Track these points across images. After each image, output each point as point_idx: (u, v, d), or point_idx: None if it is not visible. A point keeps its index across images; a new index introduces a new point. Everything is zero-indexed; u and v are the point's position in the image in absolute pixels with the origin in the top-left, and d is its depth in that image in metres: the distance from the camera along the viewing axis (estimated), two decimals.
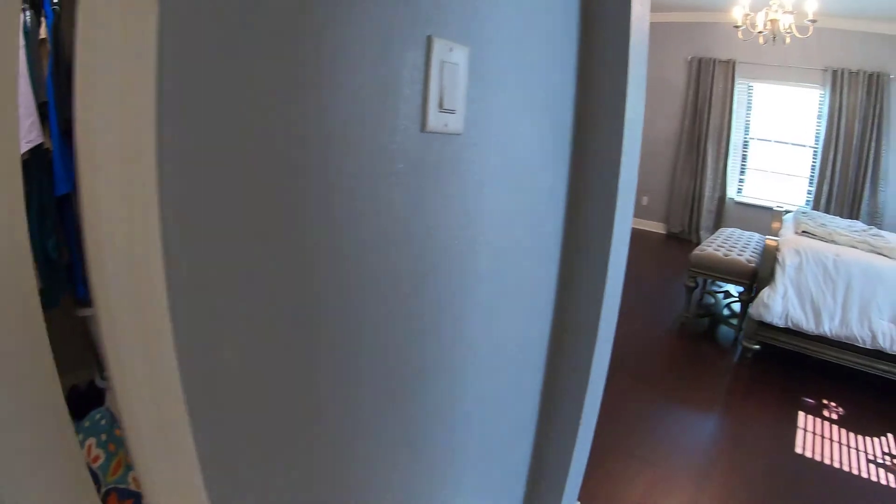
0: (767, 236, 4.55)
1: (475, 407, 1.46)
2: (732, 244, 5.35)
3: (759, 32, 5.86)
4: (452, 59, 1.04)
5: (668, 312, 5.45)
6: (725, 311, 5.65)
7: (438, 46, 1.00)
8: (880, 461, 3.44)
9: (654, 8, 8.42)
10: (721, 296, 5.96)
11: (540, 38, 1.35)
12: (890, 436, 3.73)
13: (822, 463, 3.32)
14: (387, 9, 0.90)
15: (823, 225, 5.10)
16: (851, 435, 3.68)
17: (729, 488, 2.97)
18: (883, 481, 3.23)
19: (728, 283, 5.12)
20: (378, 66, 0.90)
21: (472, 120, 1.15)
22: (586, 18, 1.51)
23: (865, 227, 5.77)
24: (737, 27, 5.90)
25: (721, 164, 8.73)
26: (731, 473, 3.09)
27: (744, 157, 8.90)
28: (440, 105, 1.03)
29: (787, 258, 4.23)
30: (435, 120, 1.04)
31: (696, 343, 4.88)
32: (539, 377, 1.77)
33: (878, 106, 7.58)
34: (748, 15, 5.82)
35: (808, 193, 8.47)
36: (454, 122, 1.09)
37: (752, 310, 4.35)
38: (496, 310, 1.42)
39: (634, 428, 3.43)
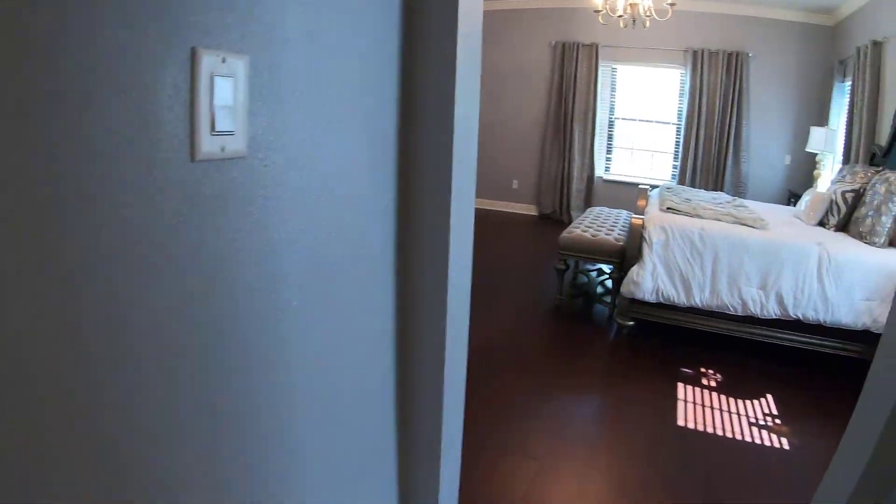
0: (633, 215, 4.61)
1: (313, 435, 1.31)
2: (601, 224, 5.43)
3: (620, 17, 5.95)
4: (226, 71, 0.89)
5: (542, 296, 5.48)
6: (599, 289, 5.73)
7: (207, 59, 0.85)
8: (762, 423, 3.57)
9: None
10: (594, 274, 6.03)
11: (350, 34, 1.22)
12: (769, 396, 3.90)
13: (704, 432, 3.40)
14: (133, 19, 0.73)
15: (688, 200, 5.24)
16: (731, 400, 3.81)
17: (615, 470, 2.98)
18: (766, 442, 3.35)
19: (598, 262, 5.19)
20: (126, 91, 0.74)
21: (262, 138, 1.01)
22: (410, 10, 1.40)
23: (730, 198, 6.00)
24: (597, 12, 5.96)
25: (588, 145, 8.92)
26: (616, 455, 3.11)
27: (610, 137, 9.15)
28: (212, 127, 0.88)
29: (654, 235, 4.30)
30: (208, 145, 0.88)
31: (572, 324, 4.92)
32: (389, 397, 1.65)
33: (737, 83, 8.06)
34: (608, 0, 5.88)
35: (674, 168, 8.81)
36: (234, 145, 0.94)
37: (624, 288, 4.41)
38: (320, 340, 1.28)
39: (516, 420, 3.38)
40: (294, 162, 1.10)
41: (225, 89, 0.89)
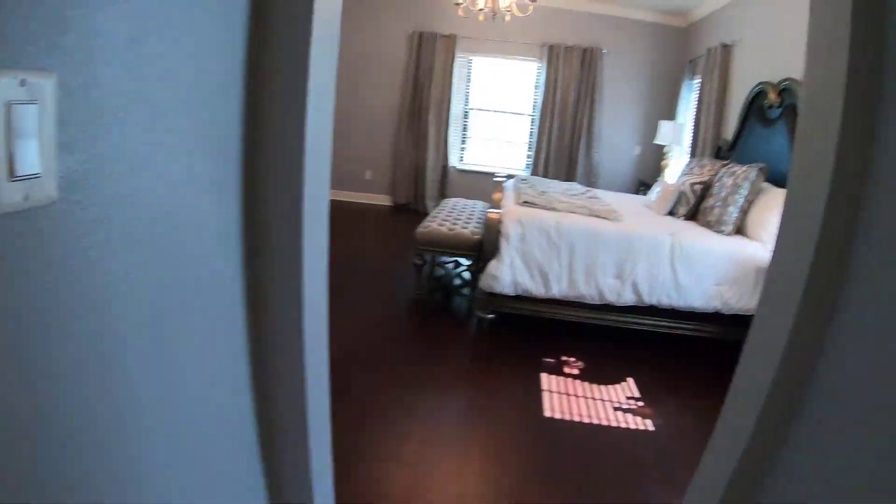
0: (490, 209, 4.54)
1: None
2: (457, 217, 5.32)
3: (480, 10, 5.88)
4: (27, 96, 0.66)
5: (401, 291, 5.30)
6: (457, 282, 5.64)
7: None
8: (625, 406, 3.59)
9: None
10: (451, 266, 5.93)
11: (184, 34, 0.97)
12: (630, 380, 3.95)
13: (571, 421, 3.35)
14: None
15: (543, 192, 5.23)
16: (595, 387, 3.80)
17: (491, 470, 2.83)
18: (632, 425, 3.37)
19: (456, 256, 5.09)
20: None
21: (78, 176, 0.76)
22: (258, 14, 1.17)
23: (583, 188, 6.08)
24: (457, 4, 5.86)
25: (443, 135, 8.84)
26: (490, 453, 2.96)
27: (465, 127, 9.12)
28: (11, 172, 0.65)
29: (511, 229, 4.24)
30: (6, 195, 0.65)
31: (433, 320, 4.77)
32: (250, 430, 1.43)
33: (591, 77, 8.27)
34: None
35: (528, 158, 8.93)
36: (41, 190, 0.69)
37: (482, 282, 4.32)
38: (165, 400, 1.05)
39: (386, 425, 3.12)
40: (121, 198, 0.87)
41: (26, 120, 0.67)
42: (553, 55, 8.37)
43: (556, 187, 5.89)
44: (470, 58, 8.81)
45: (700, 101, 7.03)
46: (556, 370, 3.99)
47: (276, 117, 1.22)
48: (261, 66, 1.20)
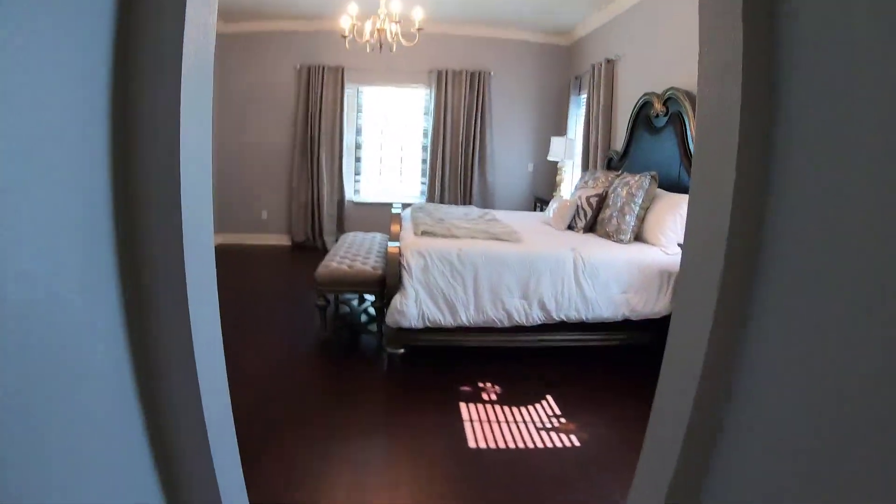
0: (389, 242, 4.45)
1: None
2: (356, 252, 5.17)
3: (367, 42, 5.82)
4: None
5: (305, 333, 5.11)
6: (363, 318, 5.50)
7: None
8: (548, 425, 3.54)
9: (256, 17, 8.15)
10: (356, 303, 5.78)
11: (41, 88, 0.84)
12: (549, 397, 3.91)
13: (498, 448, 3.27)
14: None
15: (441, 220, 5.19)
16: (515, 410, 3.75)
17: None
18: (558, 443, 3.32)
19: (360, 293, 4.97)
20: None
21: None
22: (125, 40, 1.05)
23: (481, 211, 6.08)
24: (343, 37, 5.78)
25: (336, 168, 8.70)
26: (417, 493, 2.83)
27: (358, 159, 9.00)
28: None
29: (412, 262, 4.16)
30: None
31: (343, 360, 4.59)
32: None
33: (480, 99, 8.34)
34: (355, 24, 5.72)
35: (423, 185, 8.89)
36: None
37: (389, 318, 4.20)
38: None
39: (307, 480, 2.90)
40: None
41: None
42: (441, 80, 8.40)
43: (454, 213, 5.86)
44: (360, 88, 8.73)
45: (588, 115, 7.20)
46: (475, 398, 3.91)
47: (151, 169, 1.10)
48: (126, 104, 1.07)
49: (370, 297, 5.40)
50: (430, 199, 8.63)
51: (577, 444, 3.34)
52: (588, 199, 5.20)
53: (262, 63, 8.55)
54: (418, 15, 5.29)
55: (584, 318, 4.33)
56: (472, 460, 3.16)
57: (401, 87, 8.71)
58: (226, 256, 7.84)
